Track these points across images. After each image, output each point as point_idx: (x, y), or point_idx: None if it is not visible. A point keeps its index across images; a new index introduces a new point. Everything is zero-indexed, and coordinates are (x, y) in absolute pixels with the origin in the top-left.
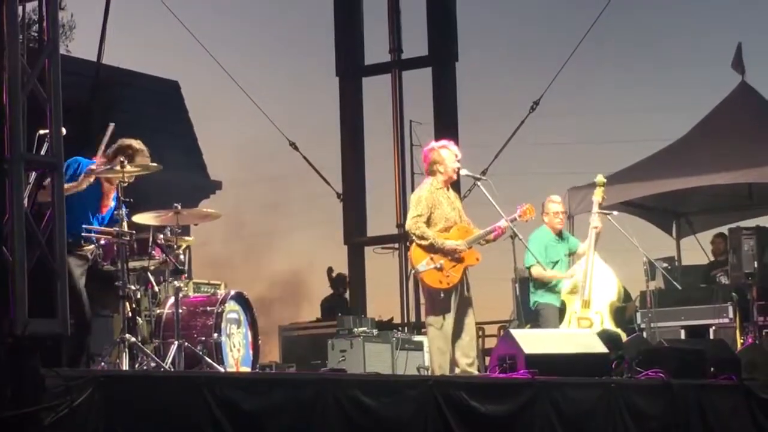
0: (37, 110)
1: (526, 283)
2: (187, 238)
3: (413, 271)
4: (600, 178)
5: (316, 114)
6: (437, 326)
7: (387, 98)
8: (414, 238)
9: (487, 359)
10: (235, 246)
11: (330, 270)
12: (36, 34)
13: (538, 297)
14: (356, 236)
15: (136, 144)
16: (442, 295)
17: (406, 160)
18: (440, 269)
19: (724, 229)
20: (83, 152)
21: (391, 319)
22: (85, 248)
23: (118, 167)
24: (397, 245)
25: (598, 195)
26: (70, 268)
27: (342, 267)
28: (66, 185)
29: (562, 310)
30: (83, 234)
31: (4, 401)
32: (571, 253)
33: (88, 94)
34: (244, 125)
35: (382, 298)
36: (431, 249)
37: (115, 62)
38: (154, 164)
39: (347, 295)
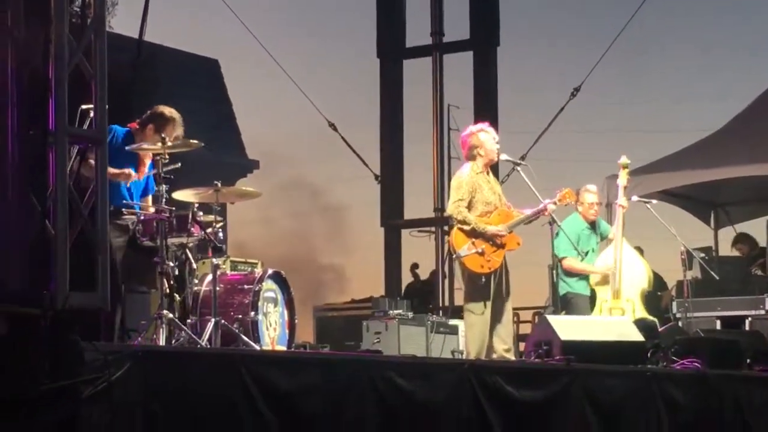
0: (79, 86)
1: None
2: (209, 215)
3: (454, 256)
4: (624, 160)
5: (356, 95)
6: (478, 312)
7: (426, 81)
8: (456, 222)
9: (521, 345)
10: (271, 225)
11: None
12: (78, 10)
13: (568, 286)
14: (393, 218)
15: (168, 112)
16: (483, 279)
17: (445, 144)
18: (482, 254)
19: (762, 221)
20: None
21: (429, 302)
22: (125, 218)
23: (159, 144)
24: (433, 229)
25: (623, 178)
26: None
27: (378, 249)
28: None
29: (592, 299)
30: (124, 202)
31: (43, 374)
32: (603, 239)
33: (129, 71)
34: (282, 105)
35: None
36: (473, 234)
37: (156, 39)
38: (195, 141)
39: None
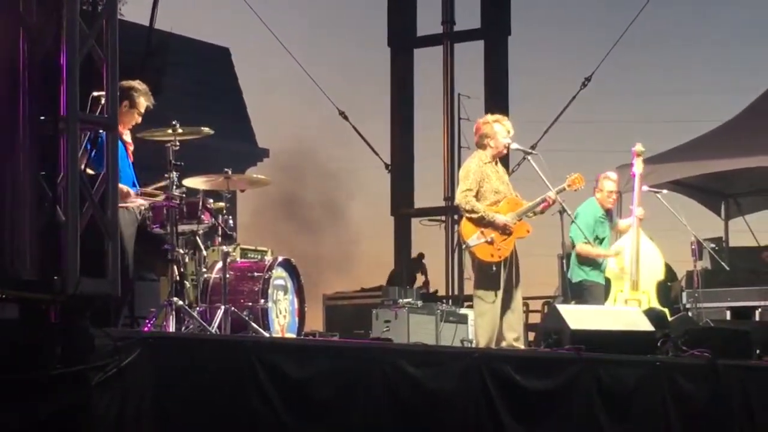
0: (89, 73)
1: None
2: (219, 203)
3: (464, 246)
4: (639, 147)
5: (366, 84)
6: (488, 300)
7: (437, 71)
8: (464, 212)
9: (531, 334)
10: (280, 214)
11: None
12: None
13: (585, 274)
14: (403, 208)
15: (136, 84)
16: (494, 268)
17: (455, 133)
18: (491, 243)
19: None
20: None
21: (436, 291)
22: (133, 206)
23: (170, 131)
24: (444, 218)
25: (638, 167)
26: (120, 229)
27: (388, 238)
28: None
29: (606, 288)
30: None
31: (53, 359)
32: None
33: (140, 59)
34: (293, 93)
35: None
36: (481, 222)
37: (167, 27)
38: (205, 129)
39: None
